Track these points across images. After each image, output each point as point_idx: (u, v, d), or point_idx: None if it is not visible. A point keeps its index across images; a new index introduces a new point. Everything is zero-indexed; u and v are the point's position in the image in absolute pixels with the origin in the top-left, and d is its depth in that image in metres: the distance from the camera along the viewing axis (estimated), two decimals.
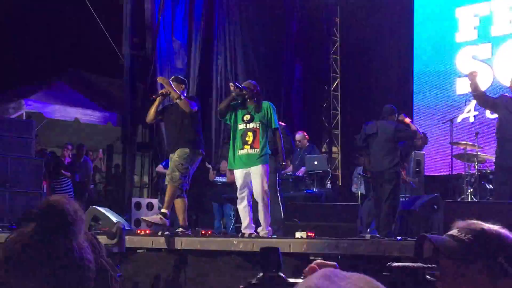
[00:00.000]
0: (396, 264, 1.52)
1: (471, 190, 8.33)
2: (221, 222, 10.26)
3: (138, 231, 7.82)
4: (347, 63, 13.70)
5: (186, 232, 6.91)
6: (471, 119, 10.86)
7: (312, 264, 1.33)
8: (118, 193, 11.75)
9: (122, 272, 6.13)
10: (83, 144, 11.90)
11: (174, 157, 6.89)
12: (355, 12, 13.19)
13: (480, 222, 1.50)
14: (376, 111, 8.50)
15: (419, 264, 1.51)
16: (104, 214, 7.83)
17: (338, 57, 13.95)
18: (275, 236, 6.77)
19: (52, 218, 1.30)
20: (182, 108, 6.86)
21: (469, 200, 8.12)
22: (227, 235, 7.93)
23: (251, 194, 6.75)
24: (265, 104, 6.87)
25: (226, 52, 12.38)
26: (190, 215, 8.51)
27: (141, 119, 10.74)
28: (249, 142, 6.71)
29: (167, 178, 6.96)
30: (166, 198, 6.87)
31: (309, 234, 6.47)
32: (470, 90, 7.15)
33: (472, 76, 6.98)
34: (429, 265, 1.50)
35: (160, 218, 6.76)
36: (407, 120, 8.12)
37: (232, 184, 8.11)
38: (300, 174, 9.51)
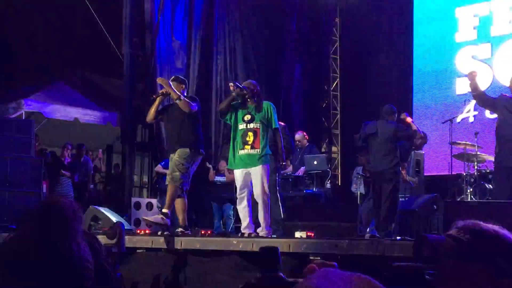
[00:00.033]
0: (395, 264, 1.52)
1: (471, 190, 8.33)
2: (221, 222, 10.26)
3: (138, 231, 7.83)
4: (347, 63, 13.71)
5: (186, 232, 6.92)
6: (471, 119, 10.87)
7: (312, 264, 1.33)
8: (118, 193, 11.75)
9: (121, 272, 6.13)
10: (83, 144, 11.90)
11: (175, 157, 6.89)
12: (355, 12, 13.19)
13: (479, 222, 1.50)
14: (376, 111, 8.49)
15: (418, 264, 1.51)
16: (103, 214, 7.83)
17: (338, 57, 13.95)
18: (274, 236, 6.77)
19: (51, 218, 1.31)
20: (182, 109, 6.87)
21: (469, 200, 8.12)
22: (227, 235, 7.93)
23: (250, 194, 6.75)
24: (266, 104, 6.87)
25: (226, 52, 12.38)
26: (190, 215, 8.50)
27: (140, 119, 10.74)
28: (250, 142, 6.70)
29: (167, 178, 6.96)
30: (167, 198, 6.88)
31: (308, 234, 6.48)
32: (469, 90, 7.15)
33: (471, 76, 6.97)
34: (428, 265, 1.50)
35: (162, 218, 6.76)
36: (409, 119, 8.12)
37: (231, 184, 8.11)
38: (299, 174, 9.52)
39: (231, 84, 6.95)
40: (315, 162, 9.41)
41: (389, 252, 5.15)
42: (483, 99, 7.13)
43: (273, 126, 6.85)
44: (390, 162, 7.41)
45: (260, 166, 6.61)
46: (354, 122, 11.44)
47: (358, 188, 10.24)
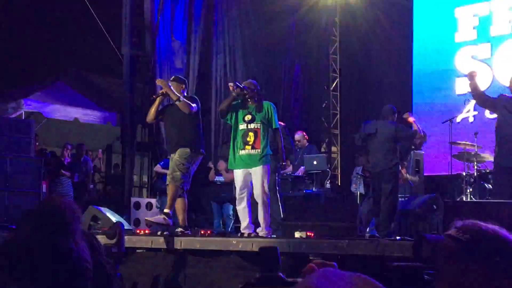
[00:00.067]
0: (394, 264, 1.53)
1: (470, 190, 8.33)
2: (221, 222, 10.26)
3: (138, 231, 7.83)
4: (347, 63, 13.71)
5: (186, 232, 6.92)
6: (471, 119, 10.87)
7: (311, 264, 1.33)
8: (118, 193, 11.75)
9: (121, 272, 6.14)
10: (83, 143, 11.91)
11: (175, 157, 6.89)
12: (355, 12, 13.19)
13: (478, 222, 1.50)
14: (376, 111, 8.51)
15: (417, 264, 1.51)
16: (103, 214, 7.83)
17: (338, 57, 13.95)
18: (274, 236, 6.77)
19: (50, 218, 1.31)
20: (182, 110, 6.87)
21: (468, 200, 8.12)
22: (227, 235, 7.93)
23: (250, 194, 6.75)
24: (266, 104, 6.87)
25: (226, 52, 12.38)
26: (190, 215, 8.51)
27: (140, 119, 10.75)
28: (250, 143, 6.70)
29: (168, 177, 6.96)
30: (168, 198, 6.87)
31: (308, 234, 6.47)
32: (469, 90, 7.14)
33: (471, 76, 6.97)
34: (427, 265, 1.51)
35: (164, 218, 6.77)
36: (411, 119, 8.12)
37: (231, 184, 8.11)
38: (299, 174, 9.52)
39: (230, 84, 6.94)
40: (315, 162, 9.41)
41: (389, 252, 5.15)
42: (482, 99, 7.13)
43: (274, 126, 6.85)
44: (389, 162, 7.41)
45: (261, 166, 6.61)
46: (354, 122, 11.47)
47: (358, 188, 10.24)
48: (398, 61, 12.59)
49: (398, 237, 6.15)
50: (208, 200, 10.35)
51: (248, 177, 6.70)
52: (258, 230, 6.68)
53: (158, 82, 7.46)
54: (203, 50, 12.00)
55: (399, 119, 8.05)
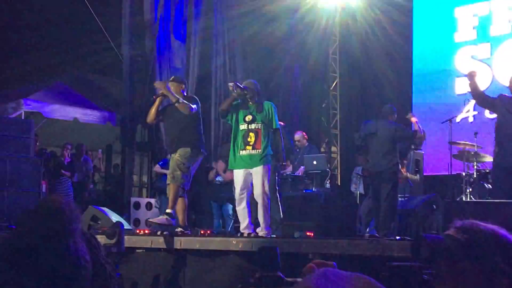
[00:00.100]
0: (394, 263, 1.53)
1: (470, 189, 8.33)
2: (220, 221, 10.27)
3: (137, 231, 7.83)
4: (347, 63, 13.70)
5: (185, 232, 6.92)
6: (470, 119, 10.87)
7: (311, 264, 1.33)
8: (117, 193, 11.76)
9: (121, 272, 6.13)
10: (83, 143, 11.91)
11: (176, 157, 6.89)
12: (354, 12, 13.19)
13: (477, 222, 1.50)
14: (375, 111, 8.50)
15: (416, 264, 1.51)
16: (103, 214, 7.83)
17: (338, 57, 13.95)
18: (274, 236, 6.77)
19: (48, 218, 1.31)
20: (182, 111, 6.87)
21: (468, 199, 8.12)
22: (226, 235, 7.94)
23: (249, 194, 6.75)
24: (267, 104, 6.87)
25: (225, 52, 12.38)
26: (190, 215, 8.51)
27: (140, 119, 10.75)
28: (251, 143, 6.70)
29: (168, 177, 6.96)
30: (170, 198, 6.87)
31: (308, 233, 6.48)
32: (469, 90, 7.14)
33: (471, 76, 6.97)
34: (426, 265, 1.51)
35: (166, 219, 6.77)
36: (414, 119, 8.11)
37: (231, 184, 8.11)
38: (299, 174, 9.52)
39: (230, 84, 6.93)
40: (315, 162, 9.41)
41: (389, 252, 5.15)
42: (482, 99, 7.13)
43: (274, 126, 6.85)
44: (389, 162, 7.41)
45: (262, 166, 6.61)
46: (354, 122, 11.47)
47: (358, 188, 10.24)
48: (398, 61, 12.58)
49: (398, 237, 6.15)
50: (208, 200, 10.36)
51: (249, 177, 6.70)
52: (258, 230, 6.68)
53: (157, 84, 7.39)
54: (203, 50, 12.00)
55: (399, 119, 8.04)
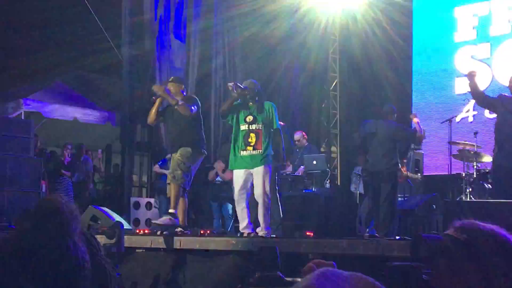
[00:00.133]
0: (393, 263, 1.53)
1: (470, 189, 8.33)
2: (220, 221, 10.26)
3: (137, 231, 7.83)
4: (347, 63, 13.70)
5: (185, 231, 6.92)
6: (470, 119, 10.86)
7: (310, 263, 1.33)
8: (117, 193, 11.76)
9: (121, 272, 6.13)
10: (82, 143, 11.91)
11: (176, 156, 6.89)
12: (354, 12, 13.19)
13: (476, 222, 1.51)
14: (375, 111, 8.50)
15: (415, 264, 1.52)
16: (103, 214, 7.82)
17: (338, 57, 13.94)
18: (273, 236, 6.77)
19: (48, 218, 1.31)
20: (182, 113, 6.87)
21: (468, 199, 8.12)
22: (226, 235, 7.94)
23: (248, 195, 6.75)
24: (267, 104, 6.87)
25: (225, 52, 12.38)
26: (189, 214, 8.51)
27: (140, 119, 10.75)
28: (252, 144, 6.70)
29: (168, 176, 6.96)
30: (172, 197, 6.87)
31: (307, 233, 6.48)
32: (469, 89, 7.14)
33: (471, 75, 6.97)
34: (426, 265, 1.51)
35: (170, 219, 6.77)
36: (416, 119, 8.11)
37: (230, 183, 8.11)
38: (299, 174, 9.52)
39: (230, 84, 6.92)
40: (315, 162, 9.41)
41: (389, 252, 5.15)
42: (482, 99, 7.13)
43: (274, 127, 6.85)
44: (389, 162, 7.41)
45: (263, 166, 6.61)
46: (354, 122, 11.46)
47: (358, 188, 10.24)
48: (397, 61, 12.58)
49: (397, 237, 6.15)
50: (207, 200, 10.36)
51: (249, 177, 6.70)
52: (258, 230, 6.68)
53: (155, 88, 7.29)
54: (203, 50, 12.00)
55: (400, 119, 8.04)
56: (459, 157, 8.73)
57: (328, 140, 13.59)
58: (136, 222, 9.92)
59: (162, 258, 6.65)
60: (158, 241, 6.62)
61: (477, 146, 8.41)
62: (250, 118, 6.76)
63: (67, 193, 10.56)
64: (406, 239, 5.60)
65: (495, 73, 10.75)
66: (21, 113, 10.96)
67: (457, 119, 10.53)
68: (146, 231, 7.55)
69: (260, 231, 6.63)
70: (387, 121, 7.65)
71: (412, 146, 9.06)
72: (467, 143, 8.63)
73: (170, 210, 6.84)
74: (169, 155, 8.11)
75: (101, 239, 5.76)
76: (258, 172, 6.61)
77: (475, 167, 8.38)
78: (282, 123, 8.03)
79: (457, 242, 1.46)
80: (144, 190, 12.67)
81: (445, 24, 11.73)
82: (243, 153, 6.71)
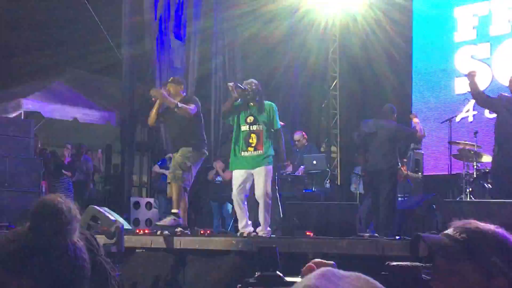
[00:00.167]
0: (393, 263, 1.53)
1: (470, 189, 8.33)
2: (220, 221, 10.27)
3: (137, 231, 7.83)
4: (347, 63, 13.70)
5: (185, 231, 6.92)
6: (470, 119, 10.87)
7: (310, 263, 1.33)
8: (117, 193, 11.75)
9: (120, 272, 6.13)
10: (82, 143, 11.91)
11: (177, 156, 6.89)
12: (354, 12, 13.19)
13: (475, 222, 1.51)
14: (375, 110, 8.50)
15: (415, 264, 1.51)
16: (103, 214, 7.82)
17: (338, 57, 13.94)
18: (273, 235, 6.77)
19: (47, 218, 1.30)
20: (182, 115, 6.86)
21: (468, 199, 8.12)
22: (226, 235, 7.94)
23: (247, 195, 6.76)
24: (268, 104, 6.86)
25: (225, 52, 12.38)
26: (189, 214, 8.51)
27: (140, 119, 10.75)
28: (253, 144, 6.69)
29: (169, 176, 6.96)
30: (173, 197, 6.87)
31: (308, 233, 6.47)
32: (469, 89, 7.15)
33: (471, 75, 6.97)
34: (425, 265, 1.51)
35: (174, 219, 6.77)
36: (416, 120, 8.11)
37: (230, 183, 8.11)
38: (299, 174, 9.52)
39: (230, 84, 6.90)
40: (314, 162, 9.41)
41: (389, 251, 5.16)
42: (482, 99, 7.13)
43: (275, 127, 6.84)
44: (388, 162, 7.42)
45: (264, 167, 6.61)
46: (354, 122, 11.46)
47: (358, 188, 10.25)
48: (397, 61, 12.58)
49: (397, 237, 6.15)
50: (207, 199, 10.36)
51: (249, 178, 6.69)
52: (258, 229, 6.68)
53: (153, 92, 7.18)
54: (203, 50, 12.00)
55: (399, 119, 8.04)
56: (459, 157, 8.73)
57: (328, 140, 13.59)
58: (136, 222, 9.91)
59: (162, 258, 6.65)
60: (158, 241, 6.63)
61: (477, 146, 8.41)
62: (251, 119, 6.76)
63: (67, 193, 10.55)
64: (406, 239, 5.61)
65: (495, 73, 10.75)
66: (21, 113, 10.95)
67: (457, 119, 10.53)
68: (146, 231, 7.55)
69: (260, 231, 6.63)
70: (387, 121, 7.65)
71: (412, 146, 9.06)
72: (467, 143, 8.63)
73: (173, 210, 6.84)
74: (169, 155, 8.12)
75: (101, 239, 5.76)
76: (259, 173, 6.60)
77: (475, 167, 8.38)
78: (282, 123, 8.03)
79: (456, 241, 1.46)
80: (144, 190, 12.67)
81: (445, 24, 11.73)
82: (244, 153, 6.71)
